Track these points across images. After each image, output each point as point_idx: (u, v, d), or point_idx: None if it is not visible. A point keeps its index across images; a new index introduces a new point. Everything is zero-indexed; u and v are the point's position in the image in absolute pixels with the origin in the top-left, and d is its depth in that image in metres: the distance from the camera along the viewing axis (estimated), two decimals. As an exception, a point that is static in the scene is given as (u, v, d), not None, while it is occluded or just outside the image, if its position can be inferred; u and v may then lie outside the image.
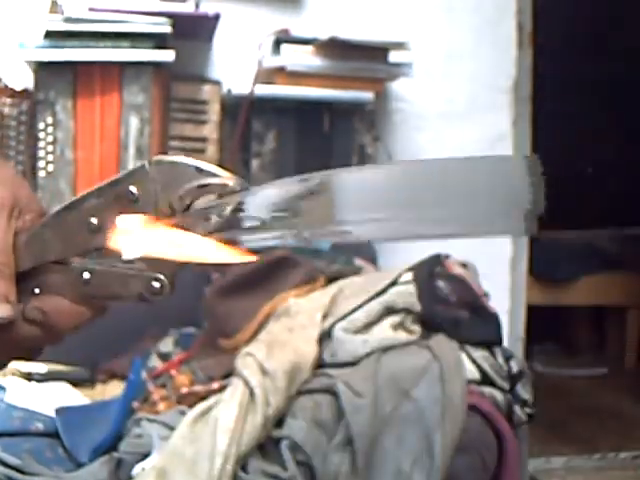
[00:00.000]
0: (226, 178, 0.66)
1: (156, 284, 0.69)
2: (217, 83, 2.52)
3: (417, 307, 1.86)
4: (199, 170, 0.66)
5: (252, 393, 1.66)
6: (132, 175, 0.68)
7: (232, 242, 0.65)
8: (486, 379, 1.80)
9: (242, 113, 2.45)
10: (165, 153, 2.43)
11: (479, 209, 0.59)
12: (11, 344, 0.70)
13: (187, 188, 0.66)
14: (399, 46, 2.53)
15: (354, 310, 1.86)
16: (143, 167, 0.67)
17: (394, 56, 2.55)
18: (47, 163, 2.31)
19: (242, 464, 1.61)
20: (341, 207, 0.63)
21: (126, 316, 2.14)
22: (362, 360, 1.77)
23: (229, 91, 2.49)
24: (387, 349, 1.79)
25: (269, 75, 2.49)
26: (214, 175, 0.66)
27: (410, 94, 2.80)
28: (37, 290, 0.71)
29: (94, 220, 0.68)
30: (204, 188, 0.66)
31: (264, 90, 2.46)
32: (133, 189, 0.67)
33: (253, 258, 0.66)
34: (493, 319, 1.95)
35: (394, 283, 1.91)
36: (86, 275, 0.70)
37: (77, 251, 0.70)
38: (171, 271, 0.69)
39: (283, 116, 2.50)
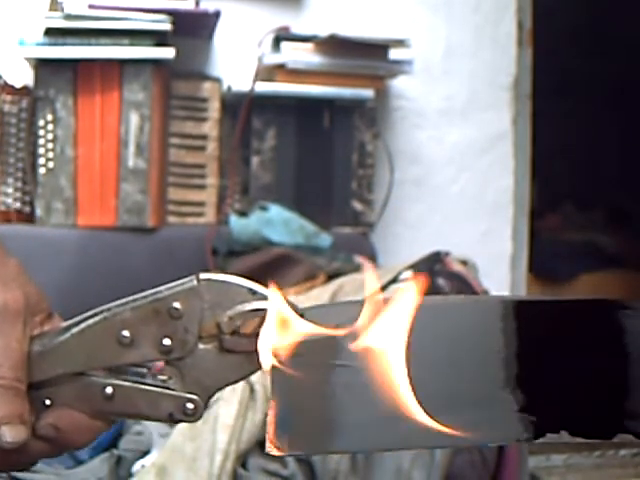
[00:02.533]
0: (278, 302, 0.61)
1: (190, 405, 0.65)
2: (217, 80, 2.52)
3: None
4: (252, 292, 0.64)
5: (252, 390, 1.66)
6: (178, 292, 0.64)
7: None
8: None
9: (242, 110, 2.45)
10: (165, 152, 2.43)
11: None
12: (14, 460, 0.64)
13: (239, 310, 0.63)
14: (399, 43, 2.53)
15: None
16: (192, 285, 0.63)
17: (394, 53, 2.55)
18: (47, 160, 2.31)
19: (242, 461, 1.61)
20: None
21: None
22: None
23: (229, 88, 2.49)
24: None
25: (269, 72, 2.49)
26: (266, 298, 0.62)
27: (410, 91, 2.79)
28: (48, 402, 0.65)
29: (126, 333, 0.64)
30: (257, 312, 0.63)
31: (264, 87, 2.46)
32: (177, 305, 0.63)
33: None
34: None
35: (394, 280, 1.91)
36: (109, 390, 0.65)
37: (103, 365, 0.65)
38: (207, 392, 0.66)
39: (283, 113, 2.50)
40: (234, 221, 2.36)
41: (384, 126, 2.71)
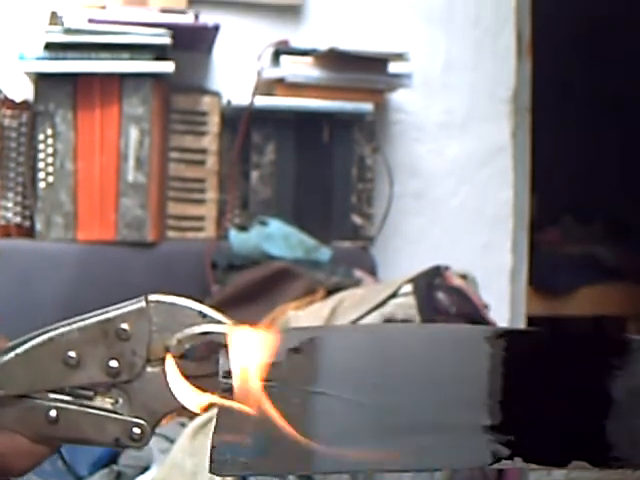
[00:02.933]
0: (229, 327, 0.62)
1: (137, 430, 0.64)
2: (217, 94, 2.52)
3: (417, 319, 1.85)
4: (202, 315, 0.63)
5: (252, 405, 1.66)
6: (126, 313, 0.63)
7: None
8: (486, 391, 1.80)
9: (242, 124, 2.45)
10: (165, 166, 2.43)
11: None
12: None
13: (187, 333, 0.63)
14: (398, 57, 2.53)
15: (354, 322, 1.86)
16: (140, 307, 0.63)
17: (393, 67, 2.55)
18: (47, 174, 2.31)
19: (242, 477, 1.60)
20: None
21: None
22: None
23: (229, 102, 2.49)
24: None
25: (269, 86, 2.49)
26: (217, 322, 0.63)
27: (410, 105, 2.80)
28: None
29: (72, 354, 0.63)
30: (206, 335, 0.62)
31: (264, 101, 2.46)
32: (125, 326, 0.63)
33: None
34: (493, 331, 1.94)
35: (394, 295, 1.91)
36: (53, 413, 0.63)
37: (48, 387, 0.63)
38: (155, 417, 0.65)
39: (283, 127, 2.50)
40: (234, 235, 2.36)
41: (384, 140, 2.71)
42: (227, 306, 2.02)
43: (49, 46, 2.26)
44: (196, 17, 2.41)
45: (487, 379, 0.59)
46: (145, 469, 1.69)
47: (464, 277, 2.10)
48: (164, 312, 0.63)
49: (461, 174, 2.84)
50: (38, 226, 2.31)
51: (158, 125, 2.37)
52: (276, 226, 2.35)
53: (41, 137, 2.31)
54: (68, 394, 0.64)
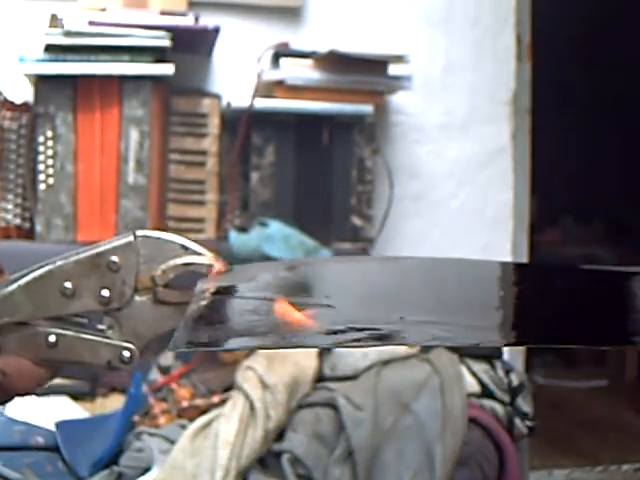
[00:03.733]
0: (210, 258, 0.68)
1: (126, 353, 0.69)
2: (217, 96, 2.52)
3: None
4: (184, 248, 0.69)
5: (252, 407, 1.66)
6: (116, 247, 0.69)
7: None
8: (486, 392, 1.80)
9: (242, 126, 2.45)
10: (165, 168, 2.43)
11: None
12: None
13: (171, 264, 0.68)
14: (398, 59, 2.53)
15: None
16: (128, 241, 0.68)
17: (393, 69, 2.55)
18: (47, 177, 2.31)
19: (243, 478, 1.61)
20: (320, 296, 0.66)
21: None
22: (362, 373, 1.77)
23: (229, 104, 2.49)
24: (387, 362, 1.79)
25: (268, 88, 2.50)
26: (199, 254, 0.68)
27: (409, 107, 2.80)
28: None
29: (68, 285, 0.68)
30: (188, 266, 0.68)
31: (263, 103, 2.46)
32: (115, 258, 0.68)
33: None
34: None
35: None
36: (52, 338, 0.69)
37: (48, 314, 0.69)
38: (143, 341, 0.70)
39: (283, 129, 2.50)
40: (234, 237, 2.36)
41: (383, 141, 2.72)
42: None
43: (49, 48, 2.26)
44: (196, 19, 2.42)
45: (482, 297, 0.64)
46: (146, 470, 1.69)
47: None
48: (150, 245, 0.69)
49: (461, 176, 2.85)
50: (38, 228, 2.32)
51: (158, 127, 2.37)
52: (276, 227, 2.35)
53: (41, 139, 2.31)
54: (65, 321, 0.70)
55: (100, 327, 0.70)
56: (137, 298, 0.69)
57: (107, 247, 0.69)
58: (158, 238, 0.69)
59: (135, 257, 0.68)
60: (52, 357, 0.69)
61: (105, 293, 0.69)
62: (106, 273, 0.68)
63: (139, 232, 0.69)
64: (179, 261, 0.68)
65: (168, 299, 0.69)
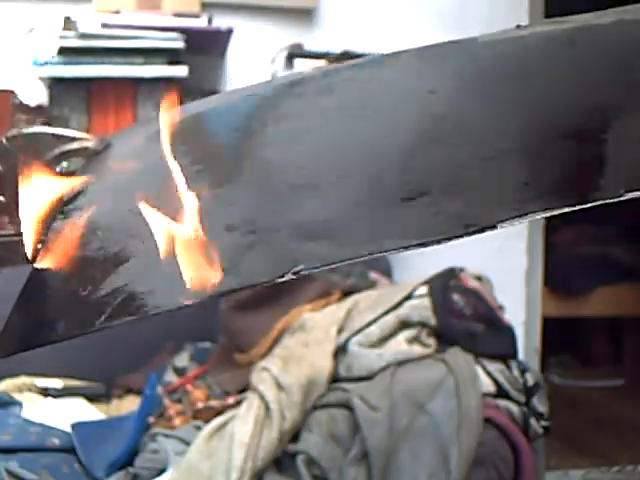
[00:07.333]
0: (85, 140, 0.67)
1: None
2: (230, 98, 2.52)
3: (432, 321, 1.85)
4: (56, 137, 0.68)
5: (268, 408, 1.66)
6: None
7: None
8: (501, 392, 1.80)
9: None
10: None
11: None
12: None
13: (50, 156, 0.67)
14: (412, 59, 2.53)
15: (369, 324, 1.86)
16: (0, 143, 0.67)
17: (407, 69, 2.55)
18: (62, 179, 2.32)
19: (258, 479, 1.61)
20: None
21: (142, 331, 2.14)
22: (377, 374, 1.77)
23: (243, 106, 2.49)
24: (402, 363, 1.79)
25: (282, 89, 2.49)
26: (72, 139, 0.68)
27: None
28: None
29: None
30: (67, 154, 0.67)
31: (277, 104, 2.46)
32: None
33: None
34: (508, 332, 1.94)
35: (409, 297, 1.90)
36: None
37: None
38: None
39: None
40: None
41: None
42: (243, 308, 2.02)
43: (63, 51, 2.27)
44: (209, 21, 2.42)
45: None
46: (161, 471, 1.69)
47: (479, 278, 2.09)
48: (24, 144, 0.68)
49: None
50: (54, 230, 2.32)
51: (172, 129, 2.37)
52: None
53: (56, 142, 2.31)
54: None
55: None
56: None
57: None
58: (27, 134, 0.68)
59: (14, 159, 0.66)
60: None
61: None
62: None
63: (10, 133, 0.68)
64: (57, 151, 0.67)
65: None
